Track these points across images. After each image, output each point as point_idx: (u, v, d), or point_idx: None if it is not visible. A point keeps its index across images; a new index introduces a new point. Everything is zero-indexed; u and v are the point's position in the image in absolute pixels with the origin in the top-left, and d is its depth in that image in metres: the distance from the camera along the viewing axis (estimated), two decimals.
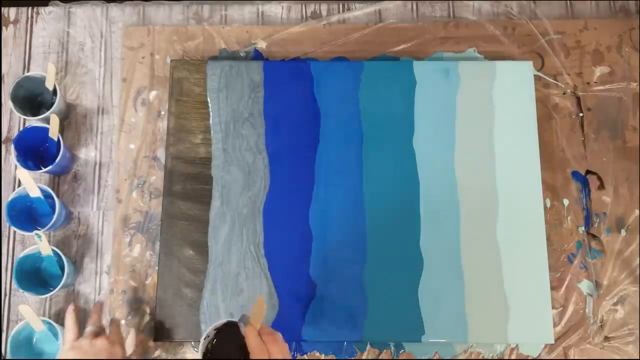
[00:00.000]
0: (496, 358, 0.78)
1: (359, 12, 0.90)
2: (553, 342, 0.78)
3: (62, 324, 0.78)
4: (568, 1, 0.91)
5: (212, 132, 0.83)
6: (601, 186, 0.84)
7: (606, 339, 0.79)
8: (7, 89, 0.82)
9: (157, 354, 0.78)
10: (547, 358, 0.78)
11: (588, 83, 0.86)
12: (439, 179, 0.81)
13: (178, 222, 0.80)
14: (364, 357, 0.78)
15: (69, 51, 0.88)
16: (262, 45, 0.87)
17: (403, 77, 0.85)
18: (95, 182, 0.84)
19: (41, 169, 0.78)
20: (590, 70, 0.87)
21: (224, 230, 0.80)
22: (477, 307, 0.78)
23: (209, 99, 0.84)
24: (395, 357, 0.78)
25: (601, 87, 0.86)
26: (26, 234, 0.80)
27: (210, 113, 0.84)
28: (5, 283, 0.81)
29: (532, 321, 0.78)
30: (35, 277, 0.79)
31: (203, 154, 0.82)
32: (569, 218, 0.82)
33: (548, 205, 0.83)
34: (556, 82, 0.86)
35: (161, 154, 0.84)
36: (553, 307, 0.79)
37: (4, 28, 0.88)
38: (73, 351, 0.69)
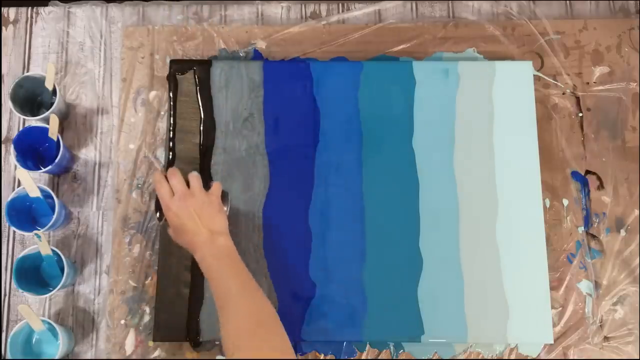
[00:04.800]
0: (496, 358, 0.78)
1: (359, 12, 0.90)
2: (552, 342, 0.78)
3: (61, 324, 0.78)
4: (567, 1, 0.91)
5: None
6: (601, 186, 0.84)
7: (605, 339, 0.79)
8: (7, 89, 0.82)
9: (156, 354, 0.78)
10: (547, 358, 0.78)
11: (587, 83, 0.87)
12: (438, 178, 0.81)
13: None
14: (363, 357, 0.79)
15: (69, 51, 0.88)
16: (261, 45, 0.88)
17: (403, 77, 0.85)
18: (95, 182, 0.84)
19: (41, 169, 0.78)
20: (589, 70, 0.87)
21: None
22: (477, 307, 0.78)
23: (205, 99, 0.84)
24: (394, 357, 0.78)
25: (601, 87, 0.86)
26: (26, 234, 0.80)
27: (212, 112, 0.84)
28: (5, 283, 0.81)
29: (532, 321, 0.78)
30: (34, 277, 0.79)
31: (203, 154, 0.82)
32: (568, 218, 0.83)
33: (547, 205, 0.83)
34: (556, 82, 0.86)
35: (161, 154, 0.84)
36: (552, 307, 0.79)
37: (3, 28, 0.88)
38: (181, 202, 0.71)
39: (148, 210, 0.82)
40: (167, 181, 0.73)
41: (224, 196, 0.76)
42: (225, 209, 0.75)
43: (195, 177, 0.74)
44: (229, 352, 0.63)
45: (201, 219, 0.71)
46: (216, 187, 0.75)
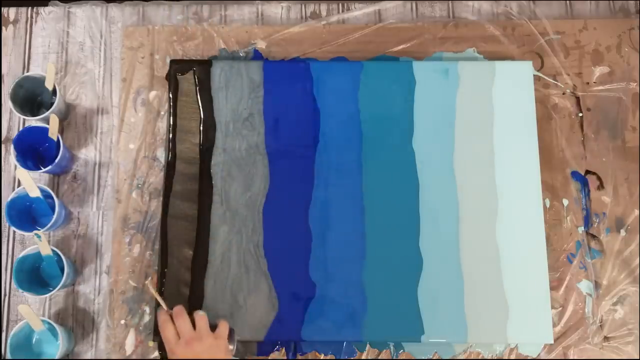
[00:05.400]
0: (496, 358, 0.78)
1: (359, 12, 0.90)
2: (552, 342, 0.78)
3: (61, 324, 0.78)
4: (568, 1, 0.91)
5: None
6: (601, 186, 0.84)
7: (605, 339, 0.79)
8: (7, 89, 0.82)
9: (156, 354, 0.78)
10: (547, 358, 0.78)
11: (587, 83, 0.87)
12: (438, 178, 0.81)
13: (178, 222, 0.80)
14: (363, 357, 0.79)
15: (69, 51, 0.88)
16: (261, 45, 0.88)
17: (403, 77, 0.85)
18: (95, 182, 0.84)
19: (41, 169, 0.78)
20: (589, 70, 0.87)
21: (224, 230, 0.80)
22: (477, 307, 0.78)
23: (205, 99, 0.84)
24: (394, 357, 0.78)
25: (601, 87, 0.86)
26: (26, 234, 0.80)
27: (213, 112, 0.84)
28: (5, 283, 0.81)
29: (532, 321, 0.78)
30: (35, 277, 0.79)
31: (203, 154, 0.82)
32: (568, 218, 0.83)
33: (547, 205, 0.83)
34: (556, 82, 0.86)
35: (161, 154, 0.84)
36: (552, 307, 0.79)
37: (3, 28, 0.88)
38: (187, 347, 0.69)
39: (148, 210, 0.82)
40: (173, 321, 0.71)
41: (230, 334, 0.73)
42: (231, 347, 0.73)
43: (201, 318, 0.71)
44: None
45: None
46: (223, 327, 0.72)
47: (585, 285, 0.81)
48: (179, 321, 0.71)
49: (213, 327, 0.72)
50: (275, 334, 0.78)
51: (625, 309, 0.80)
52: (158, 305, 0.75)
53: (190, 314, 0.72)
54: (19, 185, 0.80)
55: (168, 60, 0.86)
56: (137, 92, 0.86)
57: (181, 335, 0.70)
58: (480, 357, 0.78)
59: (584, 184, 0.84)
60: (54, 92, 0.81)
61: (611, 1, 0.91)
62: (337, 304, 0.78)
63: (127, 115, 0.85)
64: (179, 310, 0.72)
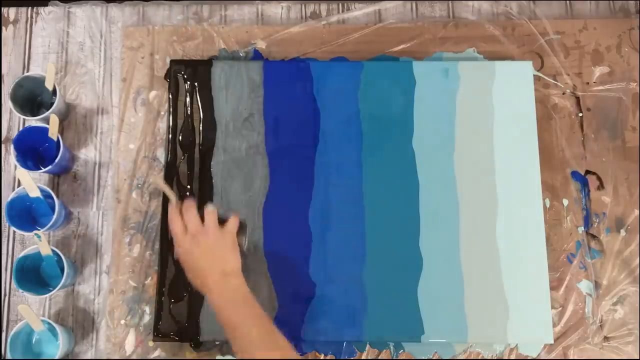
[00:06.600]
0: (496, 358, 0.78)
1: (359, 12, 0.90)
2: (552, 342, 0.78)
3: (61, 324, 0.78)
4: (568, 1, 0.91)
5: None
6: (601, 186, 0.84)
7: (605, 339, 0.79)
8: (7, 89, 0.82)
9: (156, 354, 0.78)
10: (547, 358, 0.78)
11: (587, 83, 0.87)
12: (438, 178, 0.81)
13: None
14: (363, 357, 0.79)
15: (69, 51, 0.88)
16: (261, 45, 0.88)
17: (403, 77, 0.85)
18: (95, 182, 0.84)
19: (41, 169, 0.78)
20: (589, 70, 0.87)
21: None
22: (477, 306, 0.78)
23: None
24: (394, 357, 0.78)
25: (601, 87, 0.86)
26: (26, 234, 0.80)
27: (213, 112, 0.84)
28: (5, 283, 0.81)
29: (532, 321, 0.78)
30: (35, 277, 0.79)
31: (203, 154, 0.82)
32: (568, 218, 0.83)
33: (547, 205, 0.83)
34: (556, 82, 0.86)
35: (161, 154, 0.84)
36: (552, 307, 0.79)
37: (3, 28, 0.88)
38: (192, 240, 0.69)
39: (148, 210, 0.82)
40: (182, 216, 0.71)
41: (242, 229, 0.73)
42: (244, 241, 0.74)
43: (210, 213, 0.71)
44: None
45: (213, 259, 0.69)
46: (232, 222, 0.72)
47: (585, 285, 0.81)
48: (187, 215, 0.71)
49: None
50: None
51: (625, 309, 0.80)
52: (168, 199, 0.75)
53: (202, 208, 0.72)
54: (19, 185, 0.80)
55: (168, 60, 0.86)
56: (137, 92, 0.86)
57: (188, 228, 0.70)
58: (480, 357, 0.78)
59: (584, 184, 0.84)
60: (54, 92, 0.81)
61: (611, 1, 0.91)
62: (337, 304, 0.78)
63: (127, 115, 0.85)
64: (188, 205, 0.72)
